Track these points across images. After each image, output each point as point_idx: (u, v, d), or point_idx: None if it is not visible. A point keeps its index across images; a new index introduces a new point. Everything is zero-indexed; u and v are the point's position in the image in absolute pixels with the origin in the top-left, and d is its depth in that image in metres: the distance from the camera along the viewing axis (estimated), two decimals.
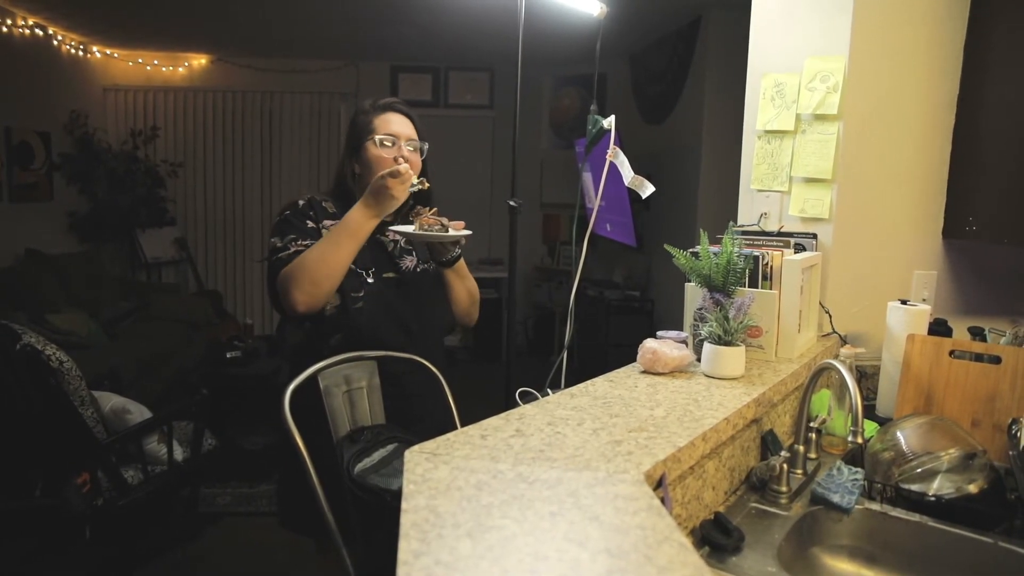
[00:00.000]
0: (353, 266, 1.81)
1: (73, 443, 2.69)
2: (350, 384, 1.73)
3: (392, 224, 1.91)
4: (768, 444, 1.53)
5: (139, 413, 2.94)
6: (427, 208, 1.88)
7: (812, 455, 1.61)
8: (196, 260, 6.47)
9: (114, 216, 5.86)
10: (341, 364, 1.71)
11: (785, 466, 1.44)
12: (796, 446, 1.54)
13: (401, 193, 1.73)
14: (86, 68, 6.16)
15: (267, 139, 6.66)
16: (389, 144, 1.87)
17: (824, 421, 1.65)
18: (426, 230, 1.79)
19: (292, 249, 1.79)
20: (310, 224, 1.84)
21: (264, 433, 4.16)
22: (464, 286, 2.02)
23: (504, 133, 6.69)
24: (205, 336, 5.32)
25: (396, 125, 1.89)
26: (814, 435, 1.61)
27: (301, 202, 1.88)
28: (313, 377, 1.65)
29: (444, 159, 7.04)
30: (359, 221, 1.75)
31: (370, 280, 1.85)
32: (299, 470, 1.48)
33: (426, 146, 1.92)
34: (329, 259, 1.73)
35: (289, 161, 6.69)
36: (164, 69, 6.44)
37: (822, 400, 1.75)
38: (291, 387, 1.57)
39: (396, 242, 1.95)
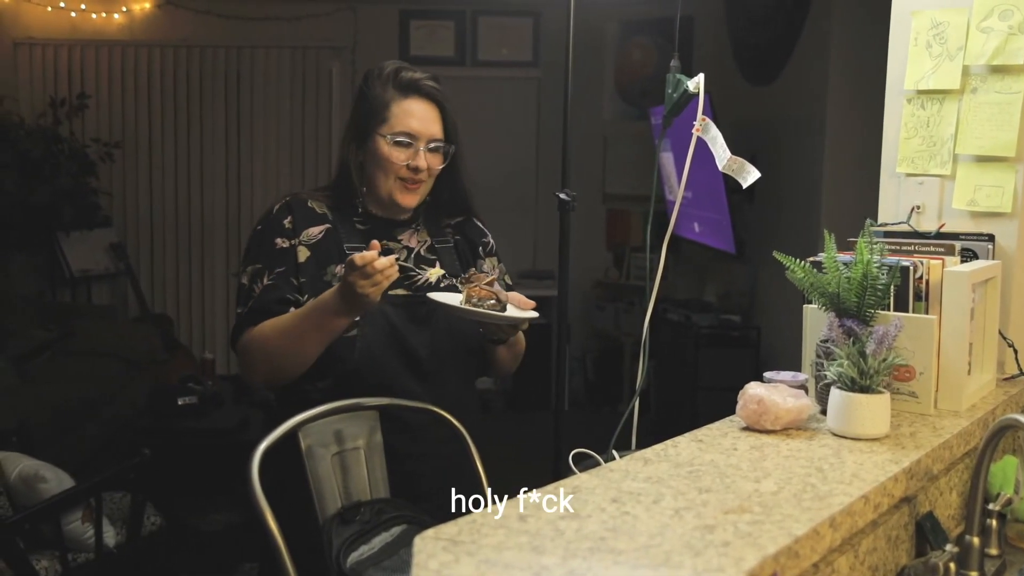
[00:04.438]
0: None
1: None
2: (342, 443, 1.74)
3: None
4: (927, 534, 1.49)
5: (57, 481, 2.98)
6: (480, 272, 1.91)
7: (992, 550, 1.57)
8: (138, 274, 6.59)
9: (28, 215, 6.00)
10: (330, 416, 1.72)
11: (953, 566, 1.40)
12: (968, 537, 1.51)
13: (376, 293, 1.74)
14: None
15: (234, 111, 6.79)
16: (404, 144, 1.91)
17: (1009, 502, 1.61)
18: (475, 305, 1.82)
19: (256, 294, 1.89)
20: (280, 243, 1.92)
21: (227, 509, 4.19)
22: (511, 353, 2.06)
23: (553, 100, 6.71)
24: (149, 376, 5.39)
25: (419, 118, 1.93)
26: (994, 522, 1.58)
27: (278, 206, 1.96)
28: (292, 433, 1.66)
29: (472, 136, 6.99)
30: (330, 320, 1.80)
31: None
32: (272, 561, 1.48)
33: (452, 149, 1.98)
34: (291, 353, 1.84)
35: (264, 140, 6.81)
36: (95, 16, 6.61)
37: (1006, 472, 1.71)
38: (262, 447, 1.58)
39: (409, 249, 1.99)
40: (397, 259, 1.78)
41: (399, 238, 2.00)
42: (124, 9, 6.61)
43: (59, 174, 6.13)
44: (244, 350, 1.89)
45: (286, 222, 1.93)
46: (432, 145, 1.93)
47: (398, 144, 1.91)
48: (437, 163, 1.95)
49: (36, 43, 6.58)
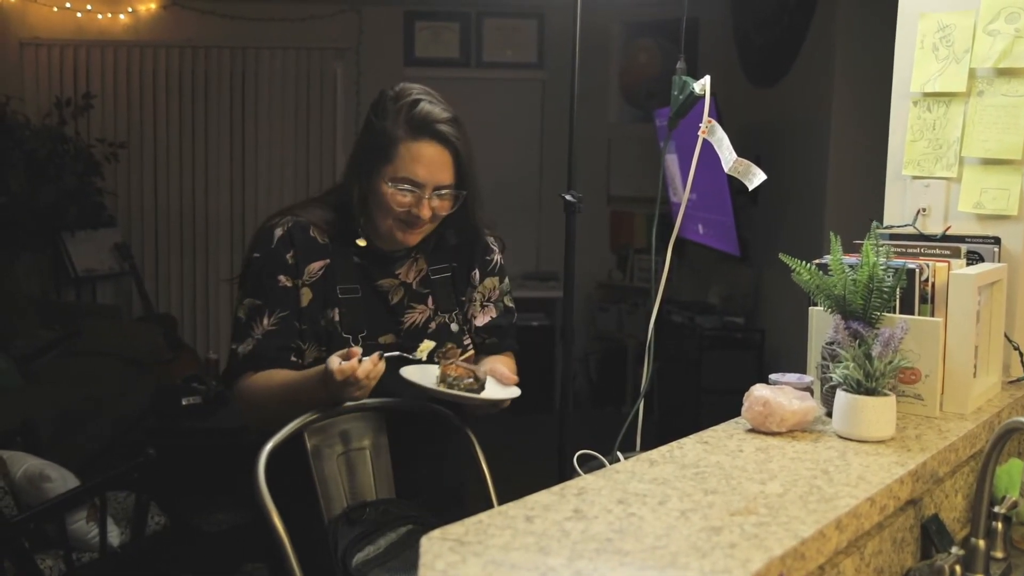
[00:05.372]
0: (338, 328, 1.80)
1: None
2: (348, 444, 1.74)
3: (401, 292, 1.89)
4: (932, 536, 1.49)
5: (62, 481, 2.99)
6: (456, 347, 1.77)
7: (998, 553, 1.57)
8: (143, 274, 6.60)
9: (33, 215, 6.01)
10: (336, 417, 1.72)
11: (958, 568, 1.40)
12: (974, 540, 1.50)
13: (363, 394, 1.67)
14: None
15: (238, 111, 6.79)
16: (407, 190, 1.79)
17: (1015, 504, 1.60)
18: (451, 384, 1.70)
19: (254, 334, 1.79)
20: (283, 281, 1.81)
21: (231, 509, 4.20)
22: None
23: (558, 101, 6.72)
24: (153, 376, 5.41)
25: (426, 164, 1.78)
26: (1000, 524, 1.57)
27: (278, 232, 1.83)
28: (298, 433, 1.66)
29: (476, 137, 7.02)
30: (320, 402, 1.72)
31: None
32: (278, 561, 1.48)
33: (463, 194, 1.84)
34: (282, 411, 1.73)
35: (268, 140, 6.81)
36: (100, 16, 6.62)
37: (1011, 474, 1.71)
38: (268, 446, 1.59)
39: (404, 285, 1.90)
40: (381, 356, 1.66)
41: (396, 273, 1.89)
42: (129, 9, 6.62)
43: (64, 174, 6.15)
44: (239, 395, 1.82)
45: (288, 257, 1.82)
46: (440, 192, 1.80)
47: (400, 190, 1.77)
48: (444, 208, 1.83)
49: (42, 43, 6.59)
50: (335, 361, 1.60)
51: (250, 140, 6.81)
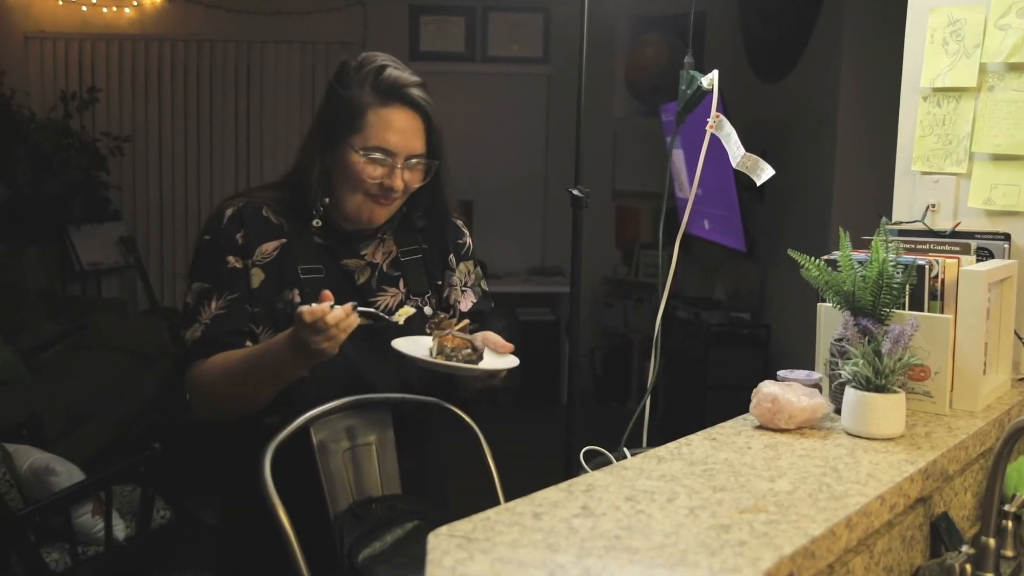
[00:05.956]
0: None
1: None
2: (354, 439, 1.74)
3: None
4: (942, 535, 1.49)
5: (68, 474, 3.00)
6: (451, 316, 1.70)
7: (1008, 552, 1.55)
8: (148, 267, 6.62)
9: (39, 208, 6.02)
10: (342, 412, 1.72)
11: (968, 567, 1.40)
12: (984, 539, 1.49)
13: (333, 347, 1.55)
14: (1, 9, 6.35)
15: (244, 105, 6.80)
16: (379, 160, 1.72)
17: None
18: (449, 356, 1.65)
19: (202, 319, 1.71)
20: (232, 262, 1.73)
21: None
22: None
23: (564, 96, 6.70)
24: (159, 370, 5.41)
25: (398, 131, 1.71)
26: (1010, 523, 1.56)
27: (228, 212, 1.76)
28: (304, 428, 1.66)
29: (482, 132, 7.03)
30: (283, 370, 1.63)
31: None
32: (284, 556, 1.48)
33: (436, 164, 1.79)
34: (239, 398, 1.69)
35: (274, 135, 6.82)
36: (105, 10, 6.63)
37: (1021, 472, 1.70)
38: (274, 442, 1.59)
39: (373, 266, 1.83)
40: (355, 307, 1.57)
41: (362, 253, 1.82)
42: (135, 3, 6.62)
43: (69, 168, 6.18)
44: (189, 385, 1.74)
45: (238, 236, 1.73)
46: (412, 161, 1.74)
47: (372, 160, 1.70)
48: (416, 180, 1.76)
49: (47, 37, 6.60)
50: (305, 307, 1.52)
51: (255, 134, 6.82)
